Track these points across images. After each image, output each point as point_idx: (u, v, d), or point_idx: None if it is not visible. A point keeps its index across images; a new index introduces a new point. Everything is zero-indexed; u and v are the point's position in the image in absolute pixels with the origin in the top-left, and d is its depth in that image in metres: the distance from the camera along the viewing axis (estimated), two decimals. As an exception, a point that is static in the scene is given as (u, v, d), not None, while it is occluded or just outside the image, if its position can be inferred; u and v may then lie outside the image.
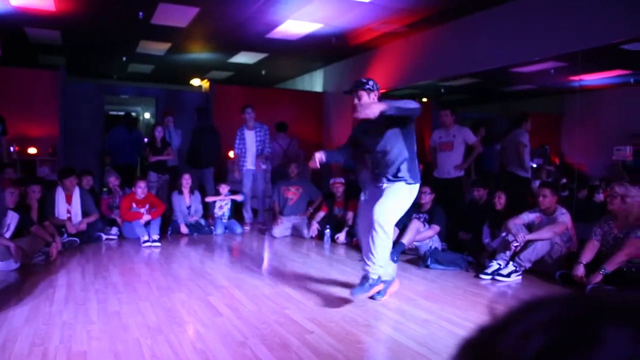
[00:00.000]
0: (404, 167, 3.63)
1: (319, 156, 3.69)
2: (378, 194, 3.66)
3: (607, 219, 4.39)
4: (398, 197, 3.62)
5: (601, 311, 0.42)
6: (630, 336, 0.39)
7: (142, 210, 6.39)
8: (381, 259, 3.59)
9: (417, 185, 3.73)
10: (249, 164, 7.52)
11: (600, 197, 6.88)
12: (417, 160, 3.76)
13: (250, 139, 7.55)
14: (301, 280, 4.40)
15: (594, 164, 10.00)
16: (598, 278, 4.03)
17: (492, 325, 0.46)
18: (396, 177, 3.65)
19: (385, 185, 3.68)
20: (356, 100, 3.69)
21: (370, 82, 3.75)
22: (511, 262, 4.60)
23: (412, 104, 3.48)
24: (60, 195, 5.99)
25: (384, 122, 3.57)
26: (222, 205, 7.17)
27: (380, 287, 3.69)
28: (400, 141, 3.64)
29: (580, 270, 4.17)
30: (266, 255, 5.95)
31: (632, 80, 9.39)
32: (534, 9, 6.01)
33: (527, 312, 0.45)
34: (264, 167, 7.64)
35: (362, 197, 3.92)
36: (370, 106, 3.35)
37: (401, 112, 3.46)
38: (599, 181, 7.67)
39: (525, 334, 0.42)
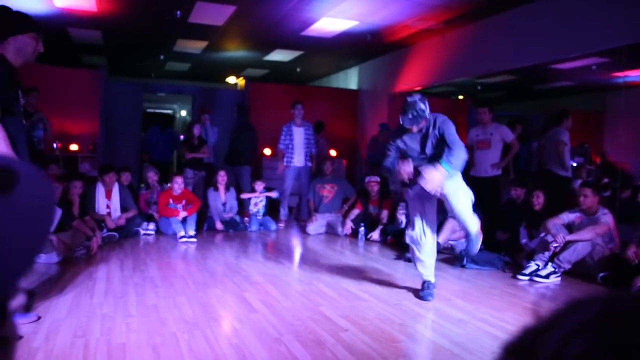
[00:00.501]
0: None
1: (409, 170, 3.60)
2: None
3: None
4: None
5: None
6: None
7: (179, 206, 6.50)
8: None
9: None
10: (296, 160, 7.55)
11: (644, 197, 6.66)
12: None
13: (299, 135, 7.57)
14: (335, 278, 4.40)
15: (638, 163, 9.67)
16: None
17: (534, 327, 0.45)
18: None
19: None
20: (415, 129, 3.63)
21: (424, 106, 3.62)
22: (550, 263, 4.50)
23: (462, 153, 3.48)
24: (100, 191, 6.14)
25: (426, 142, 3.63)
26: (257, 202, 7.23)
27: None
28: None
29: (632, 250, 4.13)
30: (300, 253, 5.97)
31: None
32: (574, 3, 5.84)
33: (568, 313, 0.44)
34: (309, 165, 7.66)
35: (411, 193, 3.86)
36: (434, 179, 3.36)
37: (457, 168, 3.48)
38: (643, 181, 7.42)
39: (566, 336, 0.41)
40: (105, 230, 5.86)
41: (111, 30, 8.25)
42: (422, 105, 3.58)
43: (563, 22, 6.05)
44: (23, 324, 2.94)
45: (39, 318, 3.13)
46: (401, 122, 3.62)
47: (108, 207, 6.16)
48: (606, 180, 8.53)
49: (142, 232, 6.36)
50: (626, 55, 6.59)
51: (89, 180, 6.69)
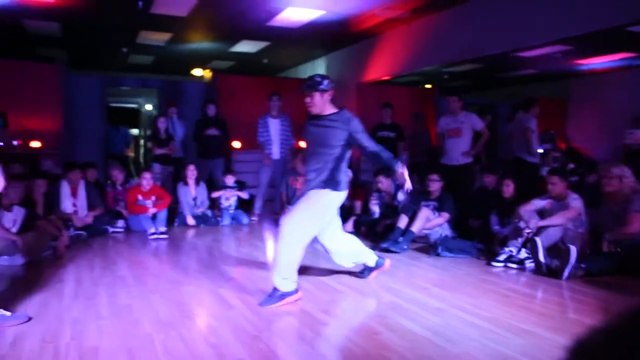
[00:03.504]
0: None
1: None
2: None
3: (604, 201, 4.63)
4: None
5: None
6: None
7: (148, 202, 6.35)
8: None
9: None
10: (274, 153, 7.45)
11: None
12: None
13: (275, 127, 7.46)
14: (311, 271, 4.35)
15: (600, 148, 9.92)
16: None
17: (605, 329, 0.41)
18: None
19: None
20: (308, 100, 3.62)
21: (325, 82, 3.64)
22: (523, 249, 4.55)
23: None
24: (65, 189, 5.94)
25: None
26: (229, 196, 7.12)
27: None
28: None
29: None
30: (274, 246, 5.90)
31: (637, 63, 9.28)
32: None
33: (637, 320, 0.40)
34: (285, 157, 7.56)
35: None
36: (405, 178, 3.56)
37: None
38: (607, 165, 7.57)
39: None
40: (72, 229, 5.67)
41: (70, 22, 7.97)
42: (318, 79, 3.69)
43: (526, 10, 6.11)
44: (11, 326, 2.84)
45: (30, 319, 3.03)
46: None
47: (74, 205, 5.97)
48: (572, 165, 8.71)
49: (111, 230, 6.19)
50: (588, 43, 6.71)
51: (52, 179, 6.47)
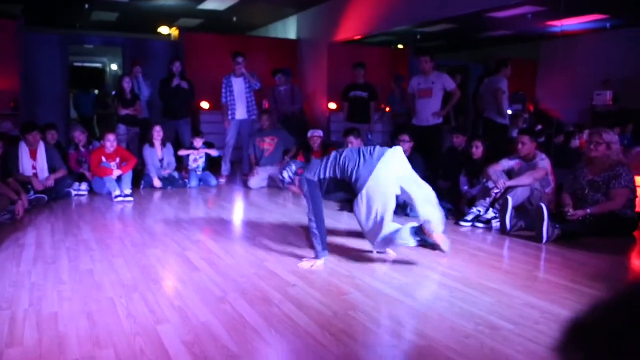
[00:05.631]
0: None
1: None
2: None
3: (581, 165, 4.43)
4: None
5: None
6: None
7: (113, 164, 6.16)
8: None
9: None
10: (239, 114, 7.28)
11: (576, 143, 6.88)
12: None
13: (239, 87, 7.27)
14: (280, 232, 4.30)
15: (568, 110, 10.02)
16: (581, 213, 4.15)
17: (603, 305, 0.37)
18: None
19: None
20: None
21: None
22: (491, 209, 4.58)
23: None
24: (24, 150, 5.71)
25: None
26: (197, 158, 6.97)
27: None
28: None
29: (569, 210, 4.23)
30: (243, 208, 5.83)
31: (608, 25, 9.29)
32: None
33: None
34: (252, 117, 7.40)
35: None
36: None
37: None
38: (573, 127, 7.66)
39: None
40: (32, 192, 5.47)
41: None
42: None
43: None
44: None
45: None
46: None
47: (34, 167, 5.74)
48: (540, 127, 8.78)
49: (73, 193, 6.00)
50: (560, 4, 6.66)
51: (10, 140, 6.22)
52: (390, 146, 3.61)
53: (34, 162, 5.75)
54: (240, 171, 7.88)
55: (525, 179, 4.55)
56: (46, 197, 5.54)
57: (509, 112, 7.56)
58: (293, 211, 5.37)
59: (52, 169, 5.85)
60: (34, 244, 3.91)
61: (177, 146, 7.28)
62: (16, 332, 2.34)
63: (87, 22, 11.21)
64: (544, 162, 4.66)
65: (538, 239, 3.99)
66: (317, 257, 3.37)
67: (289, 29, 11.01)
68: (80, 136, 6.67)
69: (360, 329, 2.40)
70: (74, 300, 2.73)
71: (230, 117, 7.27)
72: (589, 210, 4.14)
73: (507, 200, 4.30)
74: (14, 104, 8.22)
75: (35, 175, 5.70)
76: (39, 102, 8.72)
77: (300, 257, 3.51)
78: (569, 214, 4.17)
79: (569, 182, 4.50)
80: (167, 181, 6.69)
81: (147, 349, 2.17)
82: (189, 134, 7.50)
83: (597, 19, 8.72)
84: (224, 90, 7.26)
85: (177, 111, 7.53)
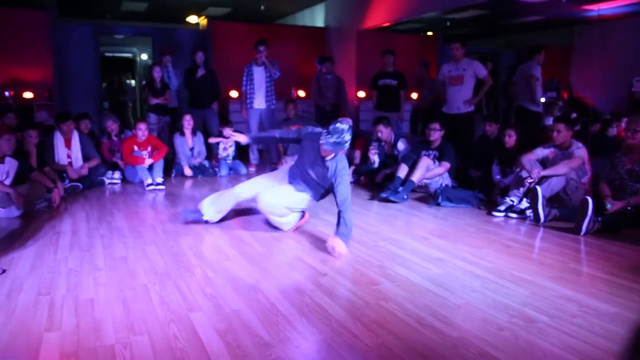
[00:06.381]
0: None
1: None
2: None
3: (620, 154, 4.29)
4: None
5: None
6: None
7: (144, 153, 6.24)
8: None
9: None
10: (257, 102, 7.29)
11: (613, 131, 6.69)
12: None
13: (259, 75, 7.27)
14: (310, 222, 4.30)
15: (604, 98, 9.73)
16: (620, 204, 4.02)
17: None
18: None
19: None
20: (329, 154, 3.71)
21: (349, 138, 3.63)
22: (525, 199, 4.49)
23: (350, 213, 3.59)
24: (59, 140, 5.83)
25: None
26: (227, 146, 7.01)
27: None
28: None
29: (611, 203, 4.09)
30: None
31: (646, 8, 8.96)
32: None
33: None
34: (272, 107, 7.40)
35: None
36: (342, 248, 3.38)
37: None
38: (610, 115, 7.44)
39: None
40: (67, 181, 5.59)
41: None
42: (347, 137, 3.57)
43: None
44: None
45: (4, 271, 2.98)
46: (322, 142, 3.59)
47: (69, 156, 5.86)
48: (574, 115, 8.56)
49: (107, 181, 6.11)
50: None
51: (46, 130, 6.35)
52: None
53: (69, 151, 5.86)
54: (269, 160, 7.90)
55: (561, 168, 4.43)
56: (80, 185, 5.66)
57: (542, 99, 7.38)
58: (322, 200, 5.34)
59: (85, 158, 5.96)
60: (70, 231, 3.99)
61: (206, 135, 7.33)
62: (55, 317, 2.39)
63: (117, 12, 11.34)
64: (580, 151, 4.53)
65: (577, 230, 3.89)
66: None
67: (316, 16, 10.94)
68: (112, 125, 6.77)
69: (391, 319, 2.39)
70: (109, 287, 2.78)
71: (248, 106, 7.29)
72: (630, 201, 4.02)
73: (535, 190, 4.21)
74: (48, 94, 8.39)
75: (70, 164, 5.81)
76: (72, 92, 8.88)
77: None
78: (609, 205, 4.06)
79: (607, 171, 4.36)
80: (198, 169, 6.76)
81: (180, 336, 2.20)
82: (217, 123, 7.54)
83: (636, 1, 8.41)
84: (244, 79, 7.30)
85: (204, 100, 7.57)
